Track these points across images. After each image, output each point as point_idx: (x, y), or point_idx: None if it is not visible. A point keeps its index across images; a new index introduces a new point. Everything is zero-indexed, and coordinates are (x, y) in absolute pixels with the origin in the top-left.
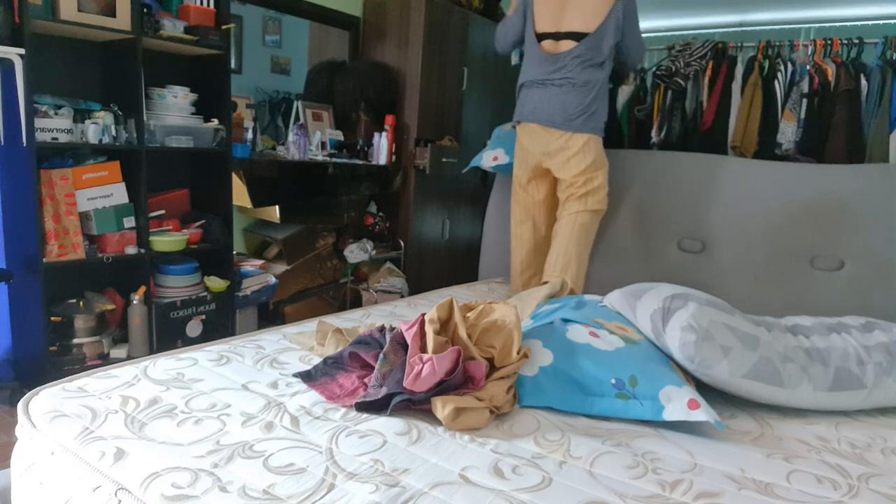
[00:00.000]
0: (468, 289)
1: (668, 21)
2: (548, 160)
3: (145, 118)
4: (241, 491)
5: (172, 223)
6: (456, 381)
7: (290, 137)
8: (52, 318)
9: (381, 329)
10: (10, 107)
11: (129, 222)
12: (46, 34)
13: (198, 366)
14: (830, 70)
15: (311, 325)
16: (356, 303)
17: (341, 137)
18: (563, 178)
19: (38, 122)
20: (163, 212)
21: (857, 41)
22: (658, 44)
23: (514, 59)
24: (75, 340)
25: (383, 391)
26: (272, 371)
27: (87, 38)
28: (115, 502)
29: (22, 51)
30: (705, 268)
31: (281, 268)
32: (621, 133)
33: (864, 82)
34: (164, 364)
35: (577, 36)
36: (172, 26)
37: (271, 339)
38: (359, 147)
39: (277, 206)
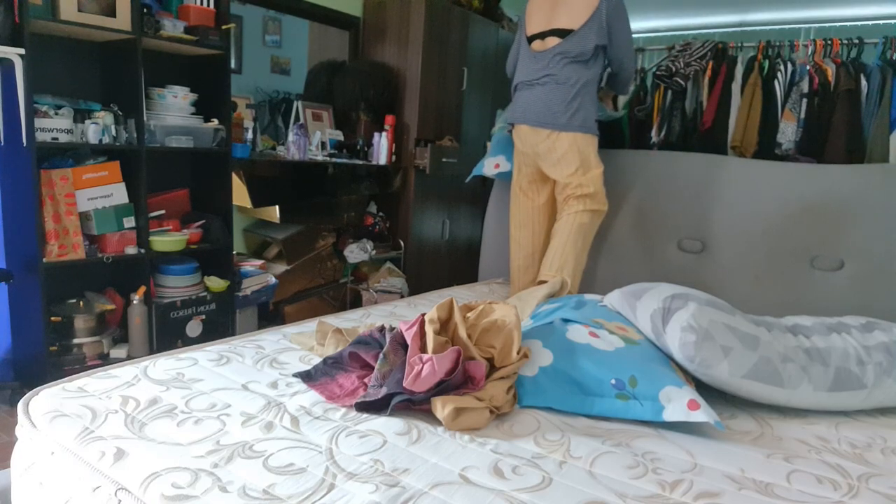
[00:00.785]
0: (468, 289)
1: (668, 21)
2: (540, 161)
3: (145, 118)
4: (241, 491)
5: (172, 223)
6: (456, 381)
7: (290, 137)
8: (52, 318)
9: (381, 329)
10: (10, 107)
11: (129, 222)
12: (46, 34)
13: (198, 366)
14: (830, 70)
15: (311, 325)
16: (356, 303)
17: (341, 137)
18: (558, 179)
19: (38, 122)
20: (163, 212)
21: (857, 41)
22: (658, 44)
23: None
24: (75, 340)
25: (383, 391)
26: (272, 371)
27: (87, 38)
28: (115, 502)
29: (22, 51)
30: (705, 268)
31: (281, 268)
32: (621, 133)
33: (864, 82)
34: (164, 364)
35: (561, 33)
36: (172, 26)
37: (271, 339)
38: (359, 147)
39: (277, 206)
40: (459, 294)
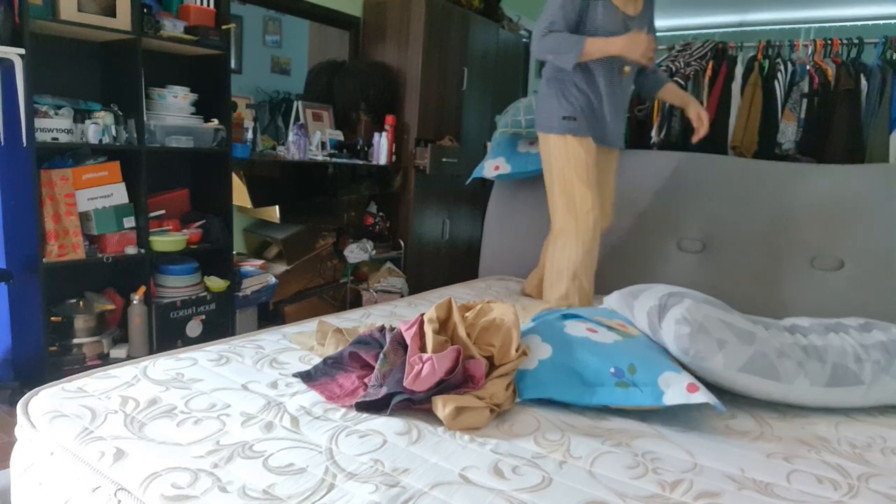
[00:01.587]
0: (467, 287)
1: (668, 21)
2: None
3: (145, 118)
4: (241, 491)
5: (172, 223)
6: (456, 381)
7: (290, 137)
8: (52, 318)
9: (381, 329)
10: (10, 107)
11: (129, 222)
12: (46, 34)
13: (197, 366)
14: (830, 70)
15: (311, 325)
16: (356, 303)
17: (341, 137)
18: None
19: (38, 123)
20: (163, 212)
21: (857, 41)
22: (658, 44)
23: None
24: (75, 340)
25: (383, 391)
26: (272, 371)
27: (87, 38)
28: (114, 502)
29: (22, 51)
30: (705, 268)
31: (281, 268)
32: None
33: (864, 82)
34: (164, 364)
35: None
36: (172, 26)
37: (271, 339)
38: (359, 147)
39: (277, 206)
40: (459, 292)
